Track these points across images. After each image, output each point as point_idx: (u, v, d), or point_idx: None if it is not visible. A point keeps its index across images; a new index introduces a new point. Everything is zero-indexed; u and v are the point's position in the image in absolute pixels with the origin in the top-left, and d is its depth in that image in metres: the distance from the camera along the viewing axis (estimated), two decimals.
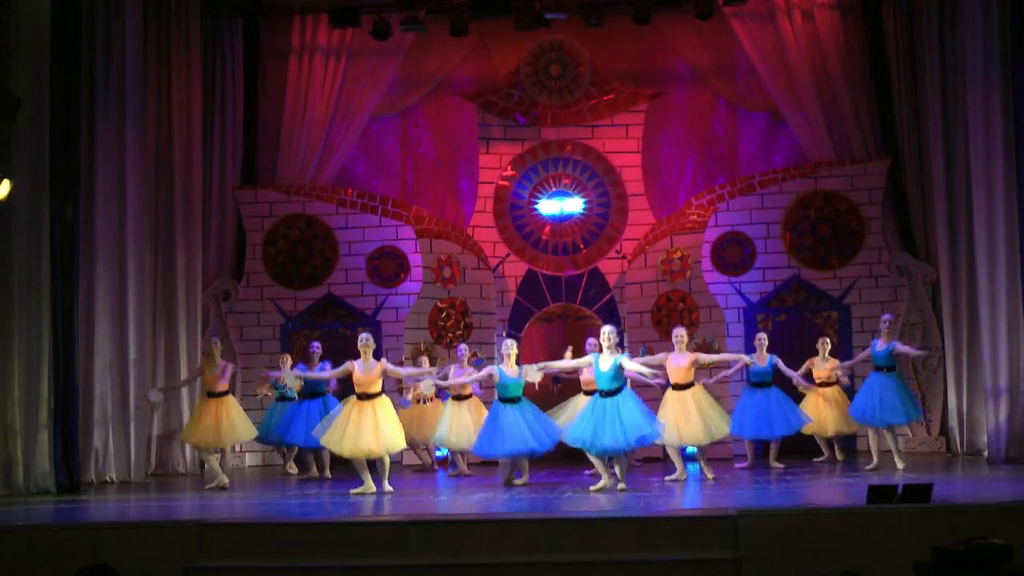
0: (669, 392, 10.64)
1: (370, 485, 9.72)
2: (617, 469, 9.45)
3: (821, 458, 12.06)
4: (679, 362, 10.51)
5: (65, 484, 10.31)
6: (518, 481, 10.27)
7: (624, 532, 7.16)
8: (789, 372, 11.66)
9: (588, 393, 11.04)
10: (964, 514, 6.95)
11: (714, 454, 12.96)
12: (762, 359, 11.58)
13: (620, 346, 10.45)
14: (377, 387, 9.92)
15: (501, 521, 7.54)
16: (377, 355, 10.19)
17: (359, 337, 10.11)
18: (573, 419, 9.92)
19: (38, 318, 10.34)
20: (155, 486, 11.45)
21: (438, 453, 13.12)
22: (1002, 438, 11.17)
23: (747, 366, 11.58)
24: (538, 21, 13.54)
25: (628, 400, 9.44)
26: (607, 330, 9.53)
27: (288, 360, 12.12)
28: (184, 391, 12.71)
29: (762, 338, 11.70)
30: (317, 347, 12.16)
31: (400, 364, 12.43)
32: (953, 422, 12.52)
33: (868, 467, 10.83)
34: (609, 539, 7.11)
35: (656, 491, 9.39)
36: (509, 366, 10.21)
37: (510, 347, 10.33)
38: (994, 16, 11.25)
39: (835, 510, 7.40)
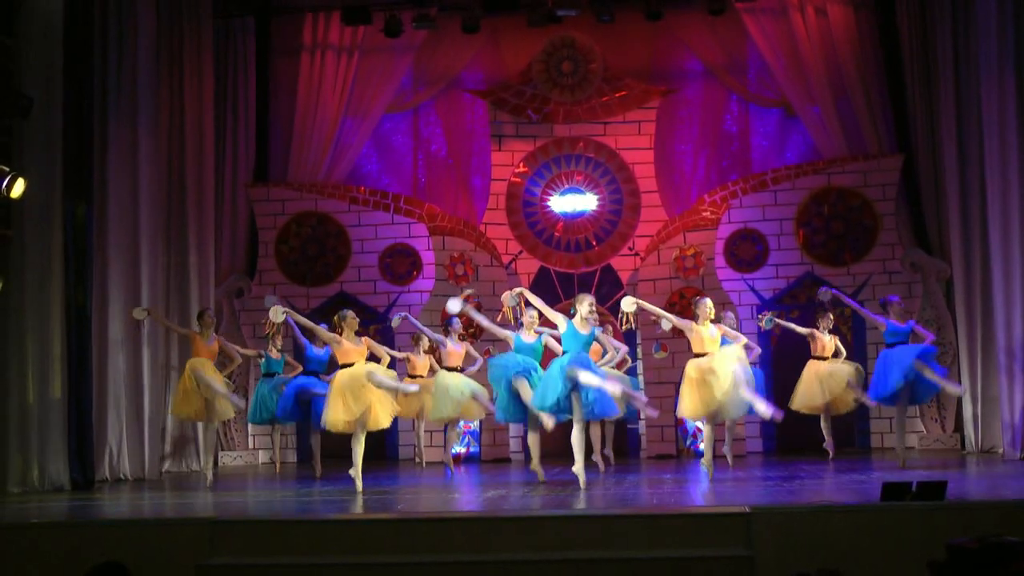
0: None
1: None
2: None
3: (825, 443, 11.86)
4: (712, 332, 9.73)
5: (79, 481, 10.33)
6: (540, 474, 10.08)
7: (636, 529, 7.13)
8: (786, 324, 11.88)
9: None
10: (979, 511, 6.90)
11: (719, 451, 12.89)
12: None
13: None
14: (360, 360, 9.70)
15: (511, 519, 7.51)
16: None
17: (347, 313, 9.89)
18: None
19: (52, 317, 10.36)
20: (169, 483, 11.47)
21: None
22: (1017, 435, 11.09)
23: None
24: (549, 18, 13.53)
25: None
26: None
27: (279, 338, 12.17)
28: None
29: (729, 317, 11.53)
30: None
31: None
32: (968, 419, 12.46)
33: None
34: (621, 536, 7.09)
35: (668, 488, 9.36)
36: (528, 332, 10.09)
37: (533, 316, 10.18)
38: (1008, 10, 11.17)
39: (849, 507, 7.35)
